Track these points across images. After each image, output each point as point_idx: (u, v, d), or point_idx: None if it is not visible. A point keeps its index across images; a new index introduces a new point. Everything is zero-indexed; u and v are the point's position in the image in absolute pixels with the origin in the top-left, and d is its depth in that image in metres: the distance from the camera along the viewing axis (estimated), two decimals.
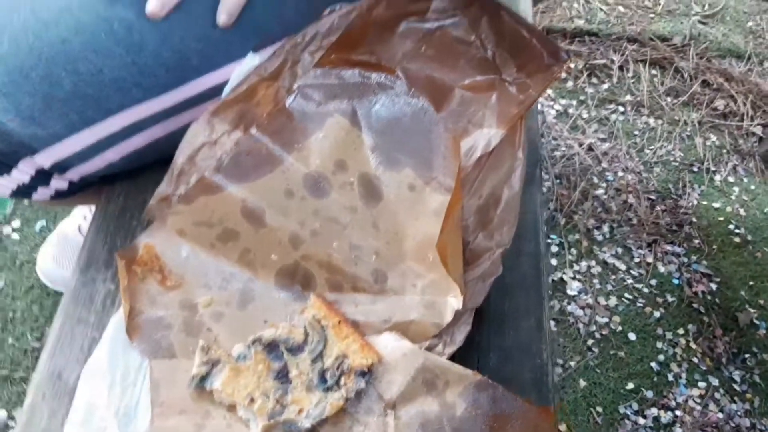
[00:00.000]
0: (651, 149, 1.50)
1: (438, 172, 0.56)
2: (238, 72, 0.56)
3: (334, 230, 0.55)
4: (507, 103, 0.58)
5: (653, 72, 1.65)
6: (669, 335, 1.20)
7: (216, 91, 0.57)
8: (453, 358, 0.51)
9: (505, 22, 0.60)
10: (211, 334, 0.52)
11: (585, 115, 1.53)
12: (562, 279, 1.25)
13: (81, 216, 1.08)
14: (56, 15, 0.52)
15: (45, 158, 0.56)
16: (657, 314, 1.23)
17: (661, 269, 1.29)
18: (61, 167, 0.58)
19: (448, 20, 0.59)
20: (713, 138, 1.55)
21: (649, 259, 1.30)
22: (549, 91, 1.55)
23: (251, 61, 0.57)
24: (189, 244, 0.54)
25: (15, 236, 1.16)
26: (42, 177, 0.59)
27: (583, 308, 1.21)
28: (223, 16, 0.55)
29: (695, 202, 1.42)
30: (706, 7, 1.90)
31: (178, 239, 0.54)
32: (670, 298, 1.25)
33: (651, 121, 1.55)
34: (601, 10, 1.76)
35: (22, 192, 0.60)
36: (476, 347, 0.57)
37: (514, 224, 0.57)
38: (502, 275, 0.55)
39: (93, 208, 1.05)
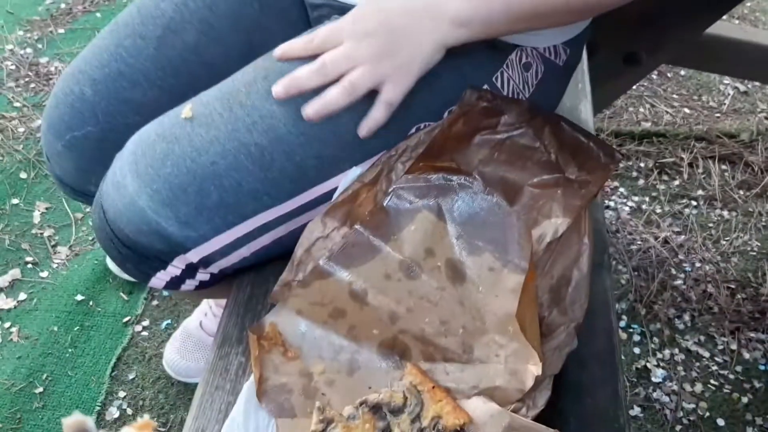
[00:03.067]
0: (727, 240, 1.52)
1: (513, 255, 0.65)
2: (345, 181, 0.68)
3: (425, 308, 0.64)
4: (571, 196, 0.67)
5: (723, 167, 1.69)
6: (759, 420, 1.19)
7: (328, 196, 0.68)
8: (536, 421, 0.56)
9: (565, 130, 0.70)
10: (325, 397, 0.60)
11: (658, 210, 1.58)
12: (645, 367, 1.27)
13: (202, 314, 1.22)
14: (207, 144, 0.65)
15: (194, 255, 0.69)
16: (745, 400, 1.22)
17: (746, 356, 1.29)
18: (206, 262, 0.70)
19: (515, 131, 0.70)
20: None
21: (733, 347, 1.30)
22: (622, 189, 1.62)
23: (355, 172, 0.68)
24: (306, 321, 0.64)
25: (145, 333, 1.31)
26: (190, 271, 0.71)
27: (668, 395, 1.22)
28: (364, 131, 0.66)
29: None
30: None
31: (296, 318, 0.64)
32: (757, 384, 1.25)
33: (725, 213, 1.58)
34: (667, 112, 1.84)
35: (173, 284, 0.72)
36: (557, 414, 0.61)
37: (586, 302, 0.64)
38: (578, 348, 0.62)
39: (212, 307, 1.19)
